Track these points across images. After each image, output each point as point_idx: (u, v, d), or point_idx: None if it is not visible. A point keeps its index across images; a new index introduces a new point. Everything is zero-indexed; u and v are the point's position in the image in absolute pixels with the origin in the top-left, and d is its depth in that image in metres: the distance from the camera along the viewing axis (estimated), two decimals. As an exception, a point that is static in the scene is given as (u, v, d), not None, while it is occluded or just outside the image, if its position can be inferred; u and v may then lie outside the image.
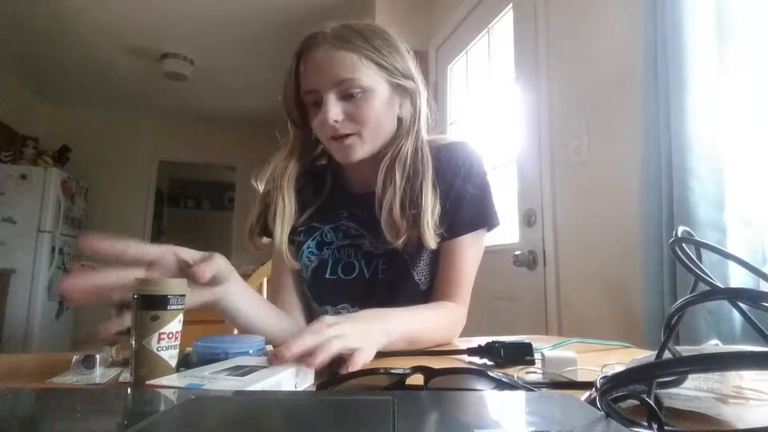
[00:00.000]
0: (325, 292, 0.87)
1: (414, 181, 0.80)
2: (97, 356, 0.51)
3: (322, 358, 0.48)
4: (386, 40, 0.79)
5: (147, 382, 0.39)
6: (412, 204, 0.79)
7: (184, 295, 0.49)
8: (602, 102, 1.39)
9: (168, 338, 0.46)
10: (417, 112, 0.83)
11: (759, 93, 0.95)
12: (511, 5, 1.90)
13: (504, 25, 1.99)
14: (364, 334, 0.56)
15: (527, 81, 1.74)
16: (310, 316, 0.90)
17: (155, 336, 0.45)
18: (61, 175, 4.18)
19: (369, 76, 0.76)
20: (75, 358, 0.51)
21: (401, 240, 0.78)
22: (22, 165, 4.10)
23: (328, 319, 0.56)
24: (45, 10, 3.15)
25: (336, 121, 0.76)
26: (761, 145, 0.94)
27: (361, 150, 0.80)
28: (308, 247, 0.88)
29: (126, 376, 0.50)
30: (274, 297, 0.91)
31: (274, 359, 0.46)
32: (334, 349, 0.49)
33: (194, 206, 6.98)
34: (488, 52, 2.13)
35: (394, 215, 0.78)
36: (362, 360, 0.51)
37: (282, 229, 0.83)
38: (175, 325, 0.47)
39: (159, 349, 0.45)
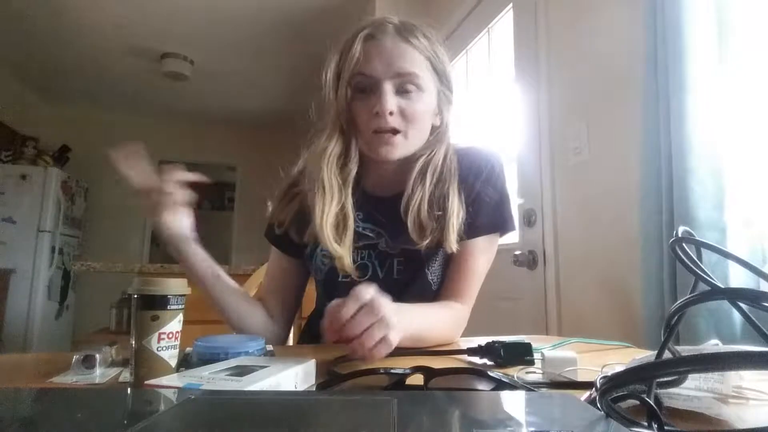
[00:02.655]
0: (339, 295, 0.85)
1: (441, 186, 0.81)
2: (97, 356, 0.51)
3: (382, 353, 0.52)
4: (442, 49, 0.81)
5: (146, 382, 0.39)
6: (438, 206, 0.79)
7: (184, 295, 0.49)
8: (602, 102, 1.39)
9: (168, 338, 0.46)
10: (450, 121, 0.84)
11: (759, 93, 0.94)
12: (511, 5, 1.90)
13: (504, 25, 1.99)
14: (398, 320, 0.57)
15: (527, 81, 1.74)
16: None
17: (155, 336, 0.45)
18: (61, 175, 4.18)
19: (426, 78, 0.77)
20: (75, 358, 0.51)
21: (426, 241, 0.77)
22: (22, 165, 4.10)
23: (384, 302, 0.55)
24: (45, 11, 3.15)
25: (391, 112, 0.75)
26: (761, 145, 0.94)
27: (402, 149, 0.79)
28: (321, 251, 0.85)
29: (126, 376, 0.50)
30: (275, 292, 0.92)
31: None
32: (371, 342, 0.52)
33: (194, 206, 6.97)
34: (488, 52, 2.13)
35: (422, 215, 0.78)
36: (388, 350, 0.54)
37: (350, 252, 0.80)
38: (175, 325, 0.47)
39: (159, 349, 0.45)
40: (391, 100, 0.74)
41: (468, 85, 2.33)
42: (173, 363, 0.47)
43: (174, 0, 3.05)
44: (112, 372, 0.52)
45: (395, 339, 0.54)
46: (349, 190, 0.81)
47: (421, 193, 0.79)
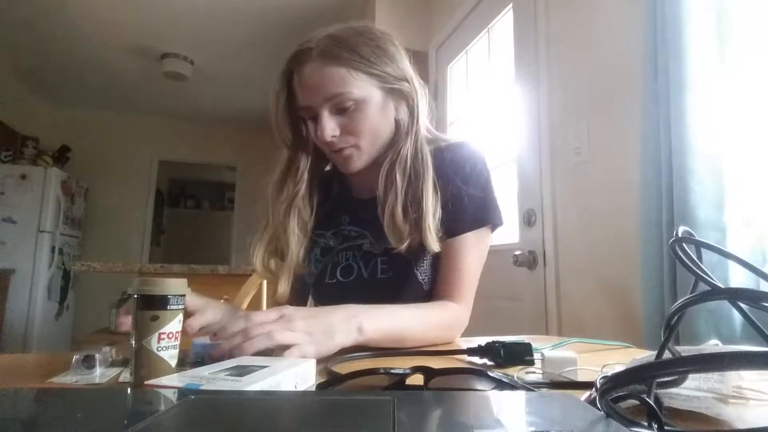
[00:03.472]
0: (326, 297, 0.88)
1: (415, 183, 0.80)
2: (97, 356, 0.51)
3: (244, 353, 0.51)
4: (374, 45, 0.78)
5: (146, 382, 0.39)
6: (413, 207, 0.79)
7: (184, 295, 0.49)
8: (602, 102, 1.39)
9: (168, 338, 0.46)
10: (415, 113, 0.82)
11: (759, 93, 0.94)
12: (511, 5, 1.90)
13: (504, 25, 1.99)
14: (317, 331, 0.58)
15: (527, 81, 1.74)
16: None
17: (155, 336, 0.45)
18: (61, 175, 4.18)
19: (359, 87, 0.76)
20: (75, 358, 0.51)
21: (405, 244, 0.78)
22: (22, 165, 4.10)
23: (288, 310, 0.58)
24: (45, 11, 3.15)
25: (333, 136, 0.77)
26: (761, 145, 0.94)
27: (360, 160, 0.81)
28: (315, 255, 0.89)
29: (126, 376, 0.50)
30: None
31: (208, 359, 0.52)
32: (256, 347, 0.52)
33: (194, 206, 6.97)
34: (488, 52, 2.13)
35: (396, 220, 0.78)
36: (294, 356, 0.54)
37: (288, 278, 0.85)
38: (175, 325, 0.47)
39: (159, 349, 0.45)
40: (328, 127, 0.76)
41: (468, 85, 2.33)
42: (173, 363, 0.47)
43: (174, 0, 3.05)
44: (112, 372, 0.52)
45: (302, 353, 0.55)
46: (293, 213, 0.85)
47: (394, 196, 0.79)
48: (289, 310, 0.59)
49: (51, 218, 4.00)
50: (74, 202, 4.45)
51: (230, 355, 0.51)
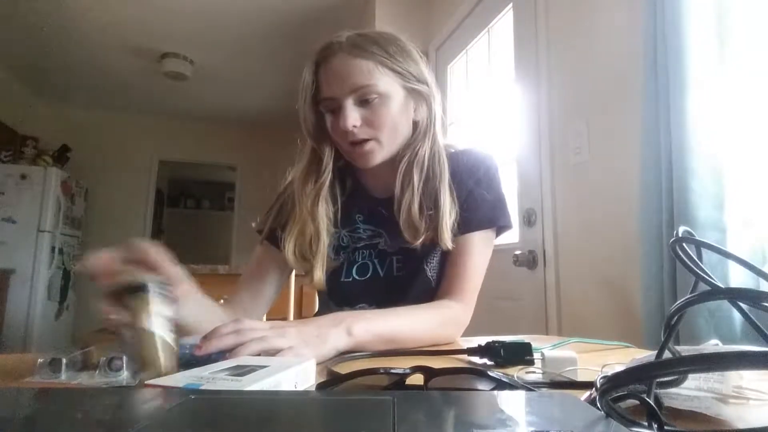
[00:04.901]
0: (342, 294, 0.89)
1: (432, 182, 0.82)
2: (64, 360, 0.50)
3: (240, 354, 0.51)
4: (399, 46, 0.81)
5: (146, 382, 0.39)
6: (429, 205, 0.81)
7: (169, 284, 0.50)
8: (602, 102, 1.39)
9: (163, 320, 0.47)
10: (432, 116, 0.85)
11: (759, 93, 0.94)
12: (511, 5, 1.90)
13: (504, 25, 1.99)
14: (310, 337, 0.59)
15: (527, 81, 1.74)
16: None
17: (152, 318, 0.47)
18: (61, 175, 4.18)
19: (385, 82, 0.78)
20: (40, 361, 0.50)
21: (420, 240, 0.80)
22: (22, 165, 4.09)
23: (277, 323, 0.59)
24: (45, 10, 3.15)
25: (355, 126, 0.77)
26: (761, 145, 0.94)
27: (379, 154, 0.82)
28: (329, 254, 0.89)
29: (94, 379, 0.48)
30: (249, 284, 0.91)
31: (197, 350, 0.50)
32: (250, 349, 0.52)
33: (194, 206, 6.98)
34: (488, 52, 2.13)
35: (413, 215, 0.80)
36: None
37: (322, 264, 0.84)
38: (167, 309, 0.48)
39: (156, 328, 0.46)
40: (351, 116, 0.77)
41: (468, 85, 2.33)
42: (174, 345, 0.47)
43: (174, 0, 3.05)
44: (80, 377, 0.49)
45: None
46: (320, 204, 0.84)
47: (411, 194, 0.81)
48: (278, 322, 0.60)
49: (51, 218, 3.99)
50: (74, 202, 4.45)
51: (218, 353, 0.51)
